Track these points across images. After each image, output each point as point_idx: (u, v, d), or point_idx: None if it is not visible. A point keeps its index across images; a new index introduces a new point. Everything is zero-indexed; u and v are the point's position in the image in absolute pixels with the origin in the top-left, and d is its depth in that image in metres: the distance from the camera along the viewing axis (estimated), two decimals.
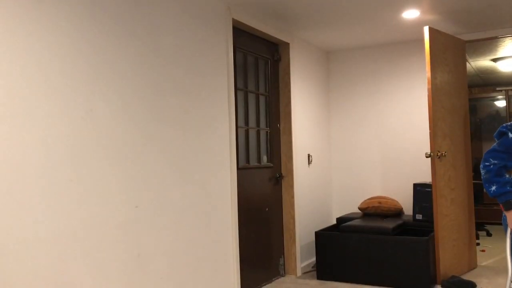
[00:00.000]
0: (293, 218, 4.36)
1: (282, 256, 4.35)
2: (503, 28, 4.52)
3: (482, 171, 2.17)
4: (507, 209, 2.08)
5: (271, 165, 4.29)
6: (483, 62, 6.17)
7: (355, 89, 5.21)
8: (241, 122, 3.88)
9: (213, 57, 3.39)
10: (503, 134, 2.13)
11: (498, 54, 5.74)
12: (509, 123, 2.18)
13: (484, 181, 2.16)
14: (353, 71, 5.23)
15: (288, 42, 4.39)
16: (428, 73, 3.95)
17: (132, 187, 2.64)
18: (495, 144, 2.17)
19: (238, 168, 3.68)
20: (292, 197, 4.38)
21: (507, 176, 2.12)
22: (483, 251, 5.12)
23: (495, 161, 2.08)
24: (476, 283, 3.87)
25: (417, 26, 4.32)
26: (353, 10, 3.89)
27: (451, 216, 4.10)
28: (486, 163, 2.11)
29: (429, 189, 4.22)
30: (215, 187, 3.33)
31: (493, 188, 2.08)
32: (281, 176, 4.39)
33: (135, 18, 2.73)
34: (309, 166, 4.76)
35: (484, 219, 6.44)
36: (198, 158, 3.17)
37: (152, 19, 2.86)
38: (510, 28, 4.50)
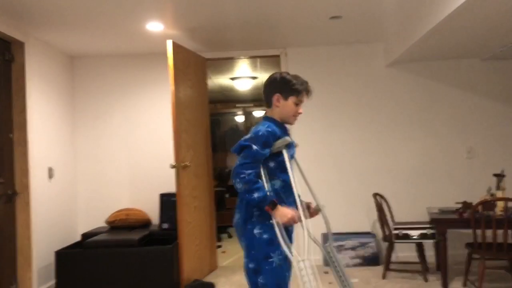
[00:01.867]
0: (29, 239, 3.88)
1: (15, 283, 3.83)
2: (238, 50, 5.03)
3: (239, 185, 2.18)
4: (274, 208, 2.14)
5: (2, 180, 3.74)
6: (223, 80, 6.76)
7: (103, 98, 5.03)
8: None
9: None
10: (245, 148, 2.23)
11: (235, 74, 6.37)
12: (247, 137, 2.26)
13: (245, 192, 2.17)
14: (101, 79, 5.04)
15: (23, 41, 3.93)
16: (172, 87, 4.09)
17: None
18: (240, 158, 2.22)
19: None
20: (29, 215, 3.90)
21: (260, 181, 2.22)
22: (224, 252, 5.58)
23: (249, 171, 2.16)
24: (215, 284, 4.16)
25: (162, 39, 4.42)
26: (94, 15, 3.73)
27: (194, 223, 4.32)
28: (242, 176, 2.16)
29: (175, 198, 4.36)
30: None
31: (256, 195, 2.15)
32: (15, 193, 3.86)
33: None
34: (50, 180, 4.35)
35: (227, 223, 7.03)
36: None
37: None
38: (243, 50, 5.04)
